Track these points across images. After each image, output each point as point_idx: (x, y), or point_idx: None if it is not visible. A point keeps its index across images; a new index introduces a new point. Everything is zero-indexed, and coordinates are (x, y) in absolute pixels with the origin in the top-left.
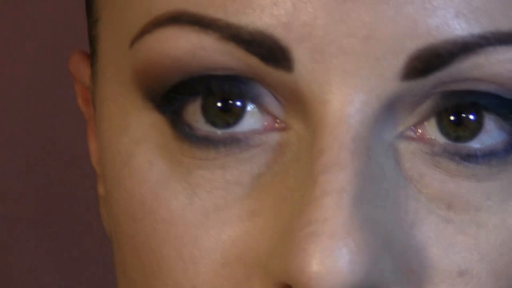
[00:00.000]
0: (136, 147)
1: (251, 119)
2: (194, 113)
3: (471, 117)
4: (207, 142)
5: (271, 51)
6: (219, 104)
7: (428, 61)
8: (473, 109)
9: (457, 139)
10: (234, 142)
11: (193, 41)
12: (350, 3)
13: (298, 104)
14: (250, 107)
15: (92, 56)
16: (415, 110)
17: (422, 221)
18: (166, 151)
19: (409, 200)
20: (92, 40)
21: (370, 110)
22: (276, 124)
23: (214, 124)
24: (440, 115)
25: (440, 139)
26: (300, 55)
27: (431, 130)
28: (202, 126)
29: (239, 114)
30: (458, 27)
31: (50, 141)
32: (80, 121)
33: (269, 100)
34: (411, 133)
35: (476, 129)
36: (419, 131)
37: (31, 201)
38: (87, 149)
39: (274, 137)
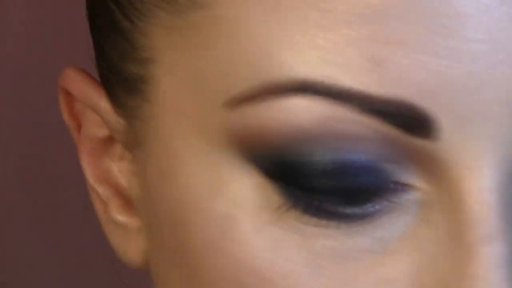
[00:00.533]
0: (237, 210)
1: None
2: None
3: None
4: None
5: (415, 121)
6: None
7: None
8: None
9: None
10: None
11: (324, 112)
12: (498, 70)
13: (433, 168)
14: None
15: (127, 92)
16: None
17: None
18: (275, 216)
19: None
20: (136, 78)
21: (509, 173)
22: (403, 184)
23: None
24: None
25: None
26: (446, 124)
27: None
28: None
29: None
30: None
31: (52, 136)
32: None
33: (397, 160)
34: None
35: None
36: None
37: (30, 199)
38: None
39: (404, 198)
